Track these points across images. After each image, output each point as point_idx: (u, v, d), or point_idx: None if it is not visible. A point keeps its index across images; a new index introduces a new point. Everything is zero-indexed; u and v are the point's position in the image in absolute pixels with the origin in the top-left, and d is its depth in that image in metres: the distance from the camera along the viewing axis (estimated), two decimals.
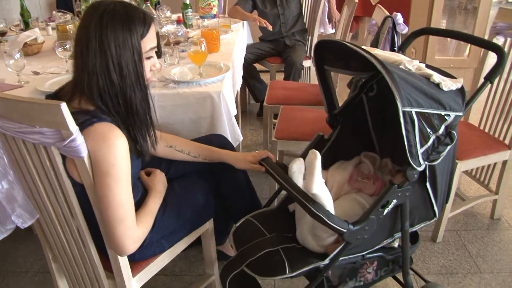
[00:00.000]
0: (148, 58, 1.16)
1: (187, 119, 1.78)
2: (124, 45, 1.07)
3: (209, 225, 1.57)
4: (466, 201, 2.19)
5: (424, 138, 1.17)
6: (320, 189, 1.15)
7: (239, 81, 2.48)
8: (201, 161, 1.53)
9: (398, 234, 1.37)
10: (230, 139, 1.78)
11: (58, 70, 2.07)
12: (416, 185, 1.28)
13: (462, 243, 2.09)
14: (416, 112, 1.13)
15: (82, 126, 1.02)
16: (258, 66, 3.48)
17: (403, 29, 1.86)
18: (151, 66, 1.19)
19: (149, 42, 1.13)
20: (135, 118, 1.14)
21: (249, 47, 3.31)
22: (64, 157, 1.06)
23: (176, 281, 1.90)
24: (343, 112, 1.55)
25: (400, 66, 1.25)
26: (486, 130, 2.16)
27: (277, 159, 2.24)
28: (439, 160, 1.25)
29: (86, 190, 1.09)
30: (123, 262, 1.22)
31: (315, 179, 1.13)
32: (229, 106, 1.79)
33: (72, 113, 1.03)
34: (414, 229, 1.42)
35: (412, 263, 1.58)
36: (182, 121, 1.78)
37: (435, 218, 1.43)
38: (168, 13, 2.83)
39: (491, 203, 2.30)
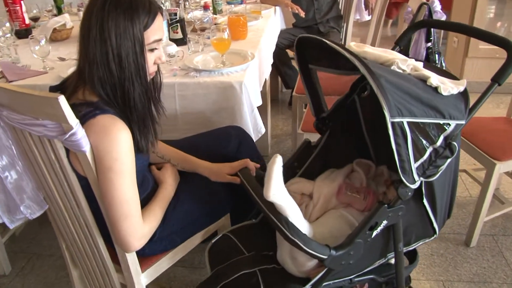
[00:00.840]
0: (152, 50, 1.10)
1: (208, 110, 1.72)
2: (125, 35, 1.01)
3: (225, 220, 1.52)
4: (505, 204, 2.03)
5: (419, 151, 1.02)
6: (278, 198, 1.00)
7: (268, 70, 2.40)
8: (180, 169, 1.44)
9: (392, 254, 1.22)
10: (251, 132, 1.72)
11: None
12: (411, 202, 1.14)
13: (499, 249, 1.95)
14: (408, 122, 0.98)
15: (85, 119, 0.99)
16: (290, 53, 3.38)
17: (441, 17, 1.71)
18: (156, 59, 1.13)
19: (153, 33, 1.07)
20: (132, 112, 1.08)
21: (282, 32, 3.21)
22: (68, 151, 1.03)
23: (195, 274, 1.87)
24: (332, 115, 1.39)
25: (392, 67, 1.10)
26: None
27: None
28: (437, 175, 1.08)
29: (91, 185, 1.06)
30: (131, 257, 1.19)
31: (272, 185, 0.98)
32: (251, 97, 1.72)
33: (76, 105, 0.99)
34: (411, 248, 1.29)
35: (410, 282, 1.45)
36: (203, 111, 1.72)
37: (435, 235, 1.28)
38: None
39: None
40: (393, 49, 1.38)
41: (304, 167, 1.44)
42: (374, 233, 1.09)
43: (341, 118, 1.41)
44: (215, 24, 2.28)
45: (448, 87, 1.06)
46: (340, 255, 1.05)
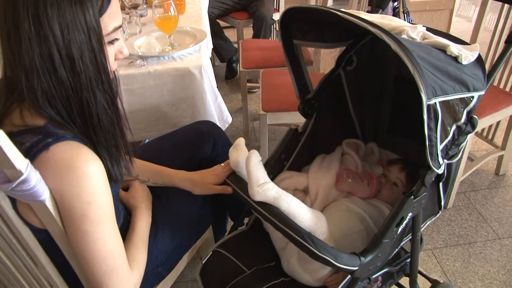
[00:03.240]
0: (111, 42, 0.80)
1: (163, 103, 1.45)
2: (74, 26, 0.71)
3: (208, 234, 1.29)
4: (475, 161, 2.02)
5: (445, 132, 0.90)
6: (268, 193, 0.89)
7: (210, 45, 2.14)
8: (151, 185, 1.17)
9: (404, 241, 1.13)
10: (217, 123, 1.48)
11: None
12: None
13: (473, 206, 1.94)
14: (440, 102, 0.85)
15: (33, 153, 0.69)
16: (220, 22, 3.11)
17: None
18: (117, 54, 0.84)
19: (111, 18, 0.77)
20: (96, 132, 0.79)
21: (211, 1, 2.92)
22: (13, 199, 0.73)
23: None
24: (318, 95, 1.23)
25: (403, 36, 0.94)
26: (495, 84, 1.96)
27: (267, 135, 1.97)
28: (460, 155, 0.98)
29: (55, 239, 0.77)
30: None
31: (253, 183, 0.90)
32: (212, 82, 1.48)
33: (14, 135, 0.70)
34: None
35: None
36: (157, 106, 1.45)
37: (440, 212, 1.20)
38: None
39: (494, 159, 2.16)
40: (376, 12, 1.23)
41: (292, 157, 1.26)
42: (400, 229, 0.97)
43: (327, 97, 1.25)
44: None
45: (469, 55, 0.92)
46: (369, 261, 0.92)
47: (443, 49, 0.92)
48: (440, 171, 0.93)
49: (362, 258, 0.90)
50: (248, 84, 2.57)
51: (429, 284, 1.37)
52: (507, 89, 1.93)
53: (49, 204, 0.70)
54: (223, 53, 3.15)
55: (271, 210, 0.89)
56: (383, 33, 0.81)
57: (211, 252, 1.16)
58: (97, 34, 0.74)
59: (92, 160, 0.74)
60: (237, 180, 1.03)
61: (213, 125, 1.34)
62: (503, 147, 2.04)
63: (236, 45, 3.21)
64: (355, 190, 1.14)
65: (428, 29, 1.00)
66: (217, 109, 1.49)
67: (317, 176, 1.18)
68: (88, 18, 0.72)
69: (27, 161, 0.65)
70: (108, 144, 0.81)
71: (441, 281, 1.35)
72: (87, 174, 0.72)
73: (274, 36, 3.21)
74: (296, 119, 1.89)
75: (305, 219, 0.91)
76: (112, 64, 0.83)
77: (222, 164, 1.14)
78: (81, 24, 0.71)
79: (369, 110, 1.31)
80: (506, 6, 1.79)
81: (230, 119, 1.57)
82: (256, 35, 2.94)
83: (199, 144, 1.25)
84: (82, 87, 0.75)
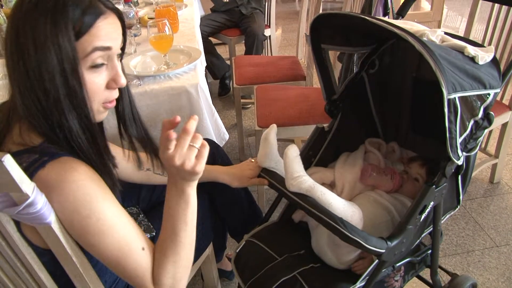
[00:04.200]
0: (95, 66, 0.75)
1: (161, 122, 1.45)
2: (44, 47, 0.69)
3: (208, 250, 1.29)
4: None
5: (464, 126, 0.99)
6: (301, 187, 0.96)
7: (204, 63, 2.16)
8: None
9: (425, 232, 1.20)
10: (215, 140, 1.49)
11: None
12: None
13: (469, 215, 1.96)
14: (459, 97, 0.94)
15: (29, 173, 0.68)
16: (212, 39, 3.14)
17: None
18: (110, 82, 0.79)
19: (93, 39, 0.73)
20: (84, 153, 0.78)
21: (202, 19, 2.96)
22: (17, 221, 0.73)
23: None
24: (343, 96, 1.31)
25: (424, 39, 1.02)
26: None
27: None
28: (477, 148, 1.08)
29: (59, 260, 0.77)
30: None
31: (288, 175, 0.98)
32: (208, 100, 1.49)
33: (13, 155, 0.70)
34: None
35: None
36: (155, 125, 1.45)
37: (458, 206, 1.27)
38: None
39: (488, 168, 2.18)
40: (396, 19, 1.31)
41: (319, 154, 1.35)
42: (423, 216, 1.05)
43: (351, 98, 1.34)
44: (138, 19, 1.98)
45: (485, 56, 1.00)
46: (395, 246, 0.99)
47: (460, 51, 1.01)
48: (459, 162, 1.01)
49: (389, 242, 0.97)
50: (242, 100, 2.60)
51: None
52: (498, 98, 1.96)
53: (54, 226, 0.70)
54: (216, 71, 3.18)
55: (305, 198, 0.96)
56: (408, 35, 0.90)
57: (244, 242, 1.22)
58: (70, 58, 0.71)
59: (79, 166, 0.73)
60: (271, 173, 1.12)
61: (211, 142, 1.34)
62: (496, 155, 2.07)
63: (228, 62, 3.24)
64: (379, 184, 1.20)
65: (446, 33, 1.08)
66: (214, 127, 1.51)
67: (343, 171, 1.25)
68: (61, 39, 0.70)
69: (33, 184, 0.65)
70: (97, 163, 0.80)
71: (460, 274, 1.42)
72: (78, 182, 0.71)
73: (266, 52, 3.25)
74: (293, 134, 1.91)
75: (339, 208, 0.96)
76: (100, 93, 0.78)
77: (253, 160, 1.18)
78: (54, 46, 0.70)
79: (390, 110, 1.39)
80: (493, 16, 1.84)
81: (227, 136, 1.58)
82: (248, 52, 2.98)
83: None
84: (52, 108, 0.73)
